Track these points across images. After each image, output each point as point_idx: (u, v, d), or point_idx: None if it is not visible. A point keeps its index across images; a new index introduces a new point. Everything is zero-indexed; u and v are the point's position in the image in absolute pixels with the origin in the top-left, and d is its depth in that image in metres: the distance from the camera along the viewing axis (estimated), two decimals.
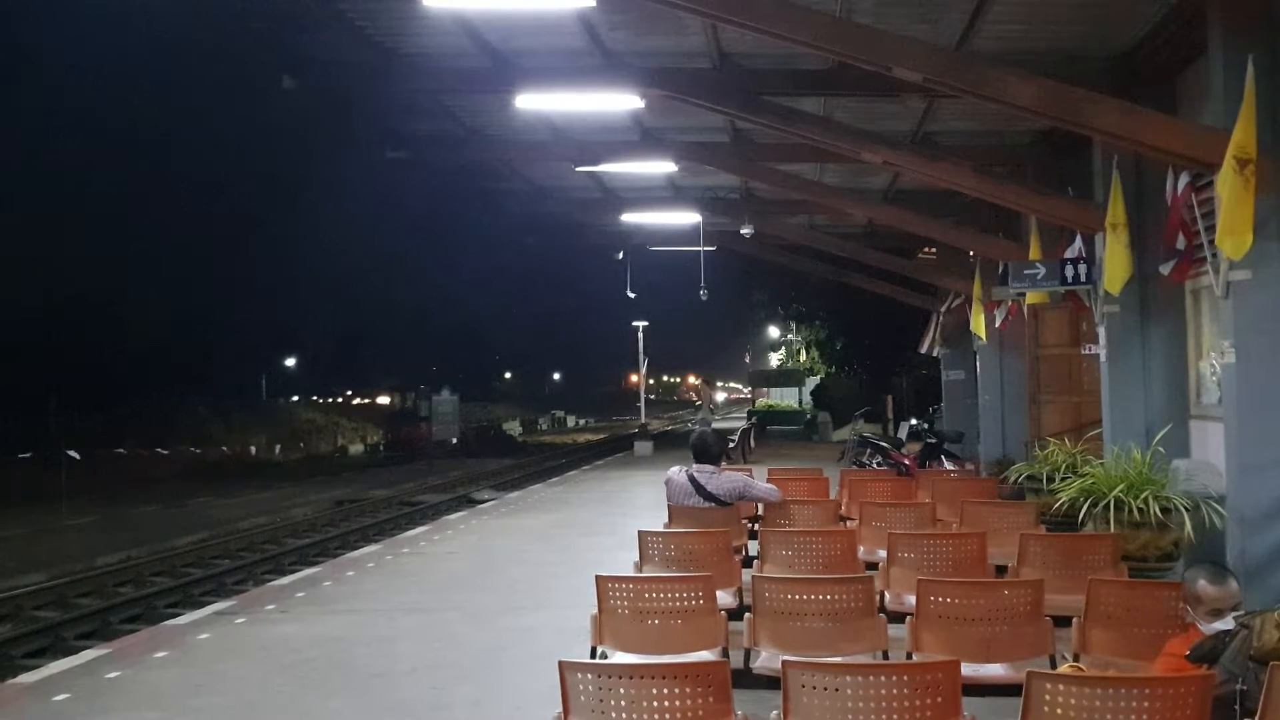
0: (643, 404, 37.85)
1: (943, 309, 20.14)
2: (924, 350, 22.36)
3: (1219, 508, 7.37)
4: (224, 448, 43.46)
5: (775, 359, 62.36)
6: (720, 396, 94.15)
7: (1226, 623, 3.91)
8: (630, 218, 18.38)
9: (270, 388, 64.80)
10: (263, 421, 52.20)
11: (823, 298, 33.38)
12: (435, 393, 46.92)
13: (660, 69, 10.53)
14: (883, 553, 6.82)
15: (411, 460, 39.57)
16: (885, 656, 5.04)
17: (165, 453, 36.38)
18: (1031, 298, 11.88)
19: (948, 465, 14.87)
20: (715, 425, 24.27)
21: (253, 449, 46.08)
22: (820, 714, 3.57)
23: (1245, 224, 6.71)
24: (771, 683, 4.12)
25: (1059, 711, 3.39)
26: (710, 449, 7.90)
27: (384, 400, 62.69)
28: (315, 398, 68.67)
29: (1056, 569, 6.24)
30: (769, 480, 9.09)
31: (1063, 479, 8.61)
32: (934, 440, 15.64)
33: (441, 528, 14.19)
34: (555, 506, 16.40)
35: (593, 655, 5.19)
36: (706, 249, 20.01)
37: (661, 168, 14.72)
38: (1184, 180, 8.30)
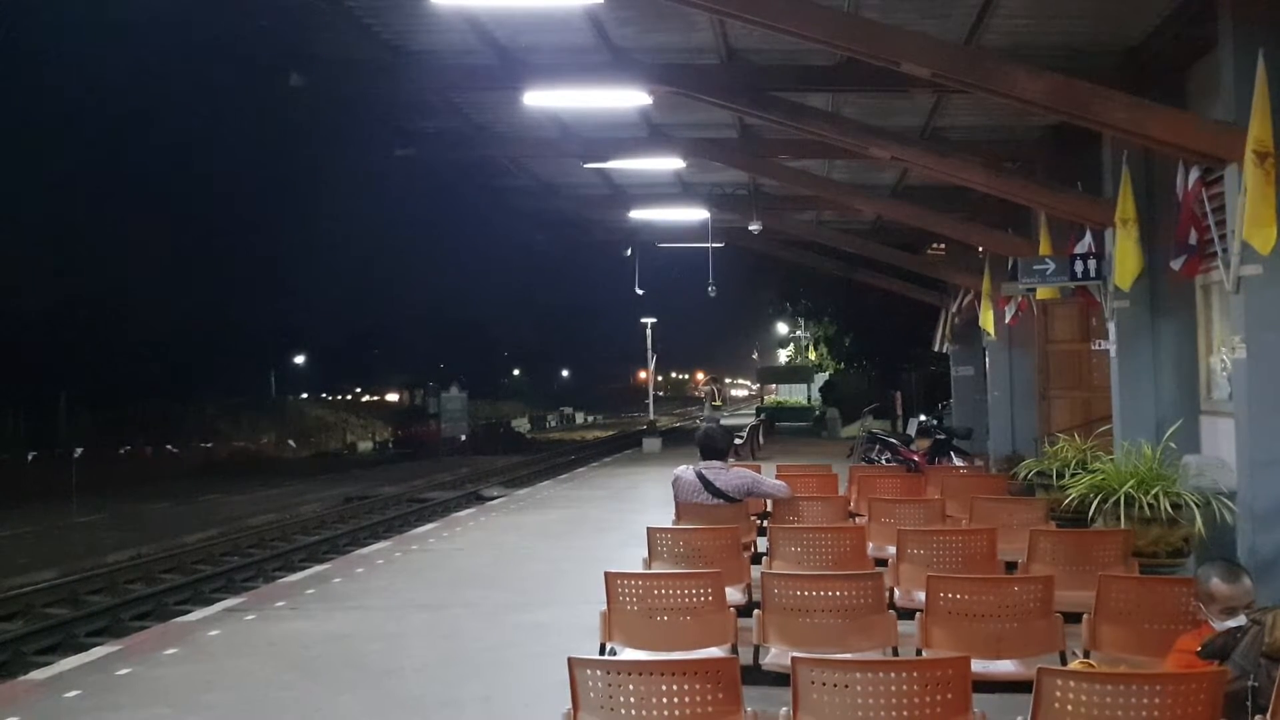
0: (651, 401, 37.80)
1: (952, 305, 20.11)
2: (935, 347, 22.34)
3: (1230, 503, 7.35)
4: (235, 442, 43.63)
5: (784, 355, 62.36)
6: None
7: (1239, 619, 3.89)
8: (638, 214, 18.38)
9: (279, 385, 64.92)
10: (272, 418, 52.36)
11: (831, 294, 33.34)
12: (444, 390, 46.97)
13: (668, 65, 10.52)
14: (892, 549, 6.80)
15: (420, 457, 39.63)
16: (895, 653, 5.03)
17: (175, 450, 36.49)
18: (1041, 293, 11.86)
19: (957, 461, 14.85)
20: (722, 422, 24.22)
21: (265, 440, 46.25)
22: (830, 710, 3.56)
23: (1269, 217, 6.68)
24: (781, 679, 4.11)
25: (1069, 708, 3.38)
26: (717, 444, 7.88)
27: (393, 397, 62.76)
28: (324, 395, 68.80)
29: (1067, 565, 6.21)
30: (778, 477, 9.06)
31: (1073, 475, 8.59)
32: (943, 436, 15.62)
33: (450, 525, 14.21)
34: (564, 503, 16.41)
35: (602, 652, 5.19)
36: (715, 245, 19.99)
37: (669, 164, 14.72)
38: (1194, 175, 8.29)
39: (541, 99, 11.06)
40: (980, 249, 16.62)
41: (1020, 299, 14.07)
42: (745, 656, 4.88)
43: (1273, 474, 7.14)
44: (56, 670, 6.90)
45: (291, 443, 48.05)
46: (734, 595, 6.02)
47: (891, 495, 9.18)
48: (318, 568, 11.28)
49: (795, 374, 51.65)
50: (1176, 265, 8.81)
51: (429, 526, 14.88)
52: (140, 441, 35.80)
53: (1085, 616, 4.96)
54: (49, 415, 34.39)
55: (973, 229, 15.34)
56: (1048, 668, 3.54)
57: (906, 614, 5.32)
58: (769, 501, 8.27)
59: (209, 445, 40.42)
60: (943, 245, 20.60)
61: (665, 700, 3.61)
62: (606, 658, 4.93)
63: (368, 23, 9.98)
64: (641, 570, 6.27)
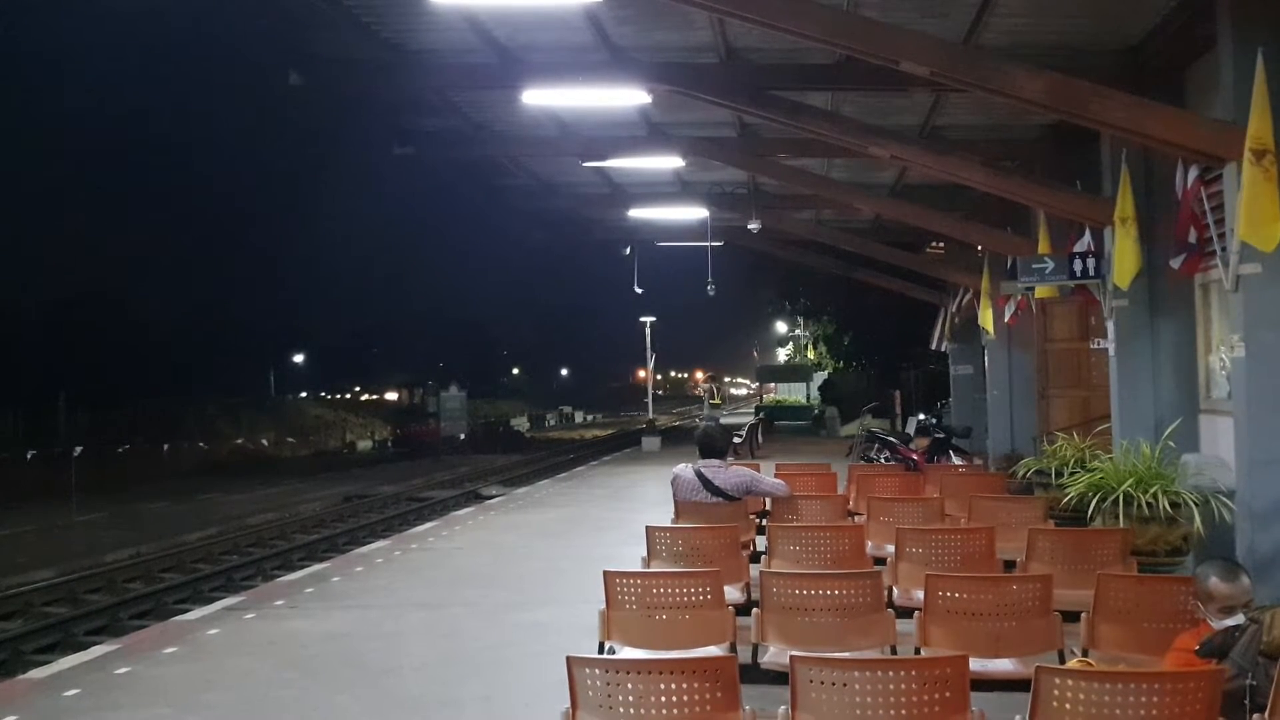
0: (650, 399, 37.78)
1: (951, 304, 20.12)
2: (934, 346, 22.34)
3: (1228, 502, 7.36)
4: (237, 440, 43.61)
5: (783, 354, 62.35)
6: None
7: (1237, 618, 3.89)
8: (637, 213, 18.36)
9: (279, 384, 64.95)
10: (271, 417, 52.36)
11: (830, 293, 33.36)
12: (443, 389, 46.98)
13: (667, 64, 10.52)
14: (891, 548, 6.80)
15: (419, 456, 39.63)
16: (894, 651, 5.03)
17: (169, 449, 36.44)
18: (1040, 292, 11.85)
19: (956, 460, 14.84)
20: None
21: (264, 439, 46.25)
22: (828, 709, 3.56)
23: (1272, 215, 6.66)
24: (779, 678, 4.11)
25: (1068, 706, 3.38)
26: (716, 443, 7.88)
27: (392, 396, 62.77)
28: (324, 394, 68.80)
29: (1065, 564, 6.21)
30: (777, 475, 9.06)
31: (1071, 474, 8.60)
32: (942, 435, 15.61)
33: (450, 524, 14.22)
34: (563, 502, 16.41)
35: (601, 650, 5.19)
36: (714, 244, 19.98)
37: (669, 163, 14.71)
38: (1193, 174, 8.28)
39: (540, 98, 11.05)
40: (979, 248, 16.61)
41: (1019, 298, 14.06)
42: (744, 655, 4.89)
43: (1271, 473, 7.14)
44: (56, 669, 6.90)
45: (291, 440, 48.05)
46: (733, 594, 6.02)
47: (890, 494, 9.19)
48: (317, 566, 11.30)
49: (794, 373, 51.62)
50: (1175, 264, 8.81)
51: (428, 525, 14.89)
52: (139, 441, 35.75)
53: (1084, 615, 4.96)
54: (48, 414, 34.36)
55: (972, 228, 15.33)
56: (1046, 666, 3.54)
57: (905, 613, 5.32)
58: (768, 500, 8.27)
59: (203, 446, 40.36)
60: (942, 244, 20.59)
61: (664, 699, 3.61)
62: (605, 656, 4.94)
63: (367, 21, 9.97)
64: (640, 569, 6.27)
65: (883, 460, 15.30)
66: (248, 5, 10.66)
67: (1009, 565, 6.62)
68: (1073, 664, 4.29)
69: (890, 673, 3.59)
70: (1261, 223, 6.66)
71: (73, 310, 47.11)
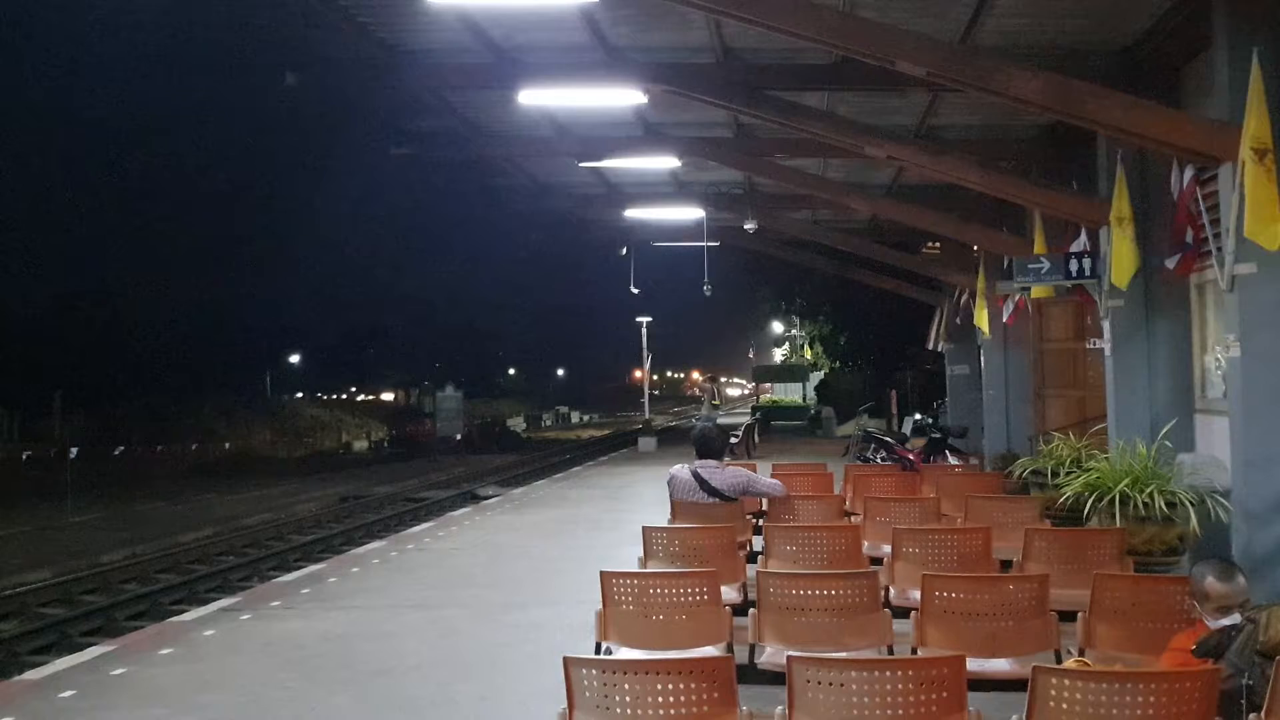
0: (647, 400, 37.73)
1: (947, 304, 20.12)
2: (930, 346, 22.35)
3: (1224, 502, 7.37)
4: (230, 442, 43.62)
5: (779, 354, 62.35)
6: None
7: (1233, 618, 3.90)
8: (634, 213, 18.36)
9: (275, 385, 64.92)
10: (267, 418, 52.33)
11: (827, 293, 33.34)
12: (439, 389, 46.97)
13: (663, 64, 10.52)
14: (887, 548, 6.81)
15: (415, 457, 39.60)
16: (890, 651, 5.04)
17: (165, 449, 36.42)
18: (1036, 292, 11.84)
19: (952, 460, 14.84)
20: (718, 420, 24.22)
21: (259, 439, 46.27)
22: (825, 709, 3.56)
23: (1275, 214, 6.65)
24: (776, 678, 4.11)
25: (1064, 706, 3.39)
26: (713, 443, 7.89)
27: (388, 397, 62.84)
28: (319, 395, 68.78)
29: (1062, 564, 6.23)
30: (773, 475, 9.07)
31: (1067, 473, 8.61)
32: (938, 435, 15.62)
33: (446, 524, 14.20)
34: (559, 502, 16.40)
35: (598, 651, 5.19)
36: (710, 244, 19.97)
37: (665, 163, 14.70)
38: (1189, 174, 8.28)
39: (537, 98, 11.04)
40: (975, 248, 16.62)
41: (1016, 298, 14.06)
42: (741, 655, 4.90)
43: (1267, 472, 7.15)
44: (51, 670, 6.88)
45: (286, 441, 48.03)
46: (729, 594, 6.02)
47: (887, 494, 9.20)
48: (313, 567, 11.27)
49: (790, 373, 51.61)
50: (1171, 264, 8.82)
51: (424, 526, 14.87)
52: (135, 441, 35.74)
53: (1080, 615, 4.97)
54: (44, 415, 34.34)
55: (968, 228, 15.31)
56: (1043, 666, 3.54)
57: (902, 612, 5.33)
58: (764, 500, 8.27)
59: (197, 445, 40.35)
60: (938, 244, 20.58)
61: (661, 699, 3.61)
62: (602, 657, 4.94)
63: (363, 21, 9.96)
64: (637, 569, 6.27)
65: (879, 460, 15.29)
66: (244, 6, 10.65)
67: (1005, 565, 6.62)
68: (1069, 664, 4.29)
69: (887, 673, 3.60)
70: (1267, 222, 6.66)
71: (69, 311, 47.07)
